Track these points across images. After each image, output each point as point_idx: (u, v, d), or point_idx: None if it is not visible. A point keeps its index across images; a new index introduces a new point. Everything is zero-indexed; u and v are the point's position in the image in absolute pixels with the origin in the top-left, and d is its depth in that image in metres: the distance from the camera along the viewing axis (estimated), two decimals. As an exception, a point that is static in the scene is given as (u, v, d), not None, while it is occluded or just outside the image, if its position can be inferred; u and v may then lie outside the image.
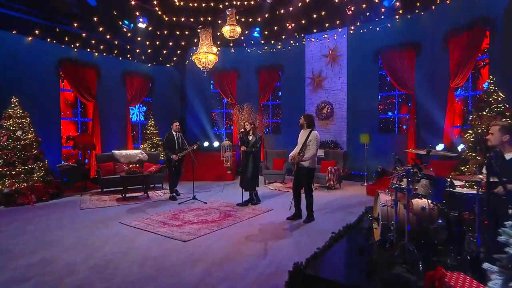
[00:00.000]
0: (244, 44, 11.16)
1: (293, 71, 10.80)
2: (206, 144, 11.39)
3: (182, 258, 3.52)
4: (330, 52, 9.85)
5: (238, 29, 6.44)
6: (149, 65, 10.43)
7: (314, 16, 8.85)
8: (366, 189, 7.28)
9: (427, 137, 8.15)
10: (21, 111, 6.70)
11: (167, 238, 4.17)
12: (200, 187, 8.12)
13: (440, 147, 7.31)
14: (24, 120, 6.68)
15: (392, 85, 8.97)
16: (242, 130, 6.23)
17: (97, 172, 7.40)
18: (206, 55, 6.30)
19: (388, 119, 9.21)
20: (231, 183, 8.99)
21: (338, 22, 9.22)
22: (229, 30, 6.31)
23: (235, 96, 11.65)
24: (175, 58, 10.78)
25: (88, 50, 8.66)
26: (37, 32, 7.41)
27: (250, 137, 6.22)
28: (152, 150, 9.40)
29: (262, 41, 10.77)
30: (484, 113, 5.69)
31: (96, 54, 8.92)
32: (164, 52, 10.21)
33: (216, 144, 11.54)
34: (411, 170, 2.69)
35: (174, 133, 6.77)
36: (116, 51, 9.25)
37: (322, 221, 4.99)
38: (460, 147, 6.77)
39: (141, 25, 8.74)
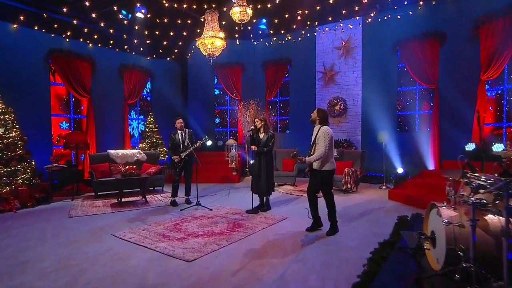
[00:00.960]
0: (251, 35, 10.44)
1: (303, 65, 10.08)
2: (209, 143, 10.66)
3: (186, 286, 2.81)
4: (344, 43, 9.11)
5: (249, 11, 5.70)
6: (148, 58, 9.71)
7: (327, 3, 8.10)
8: (388, 193, 6.55)
9: (452, 136, 7.42)
10: (4, 106, 5.99)
11: (167, 257, 3.46)
12: (204, 190, 7.42)
13: (470, 146, 6.57)
14: (7, 117, 5.97)
15: (412, 80, 8.23)
16: (252, 127, 5.50)
17: (91, 174, 6.70)
18: (212, 39, 5.58)
19: (408, 116, 8.47)
20: (237, 186, 8.28)
21: (353, 10, 8.48)
22: (238, 12, 5.56)
23: (240, 92, 10.93)
24: (176, 51, 10.05)
25: (81, 40, 7.94)
26: (22, 18, 6.68)
27: (261, 135, 5.50)
28: (151, 150, 8.68)
29: (271, 31, 10.02)
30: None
31: (91, 45, 8.21)
32: (164, 43, 9.48)
33: (220, 143, 10.83)
34: (508, 182, 1.92)
35: (178, 131, 6.07)
36: (112, 42, 8.53)
37: (346, 233, 4.28)
38: (497, 146, 6.04)
39: (140, 15, 8.01)
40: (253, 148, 5.41)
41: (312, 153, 4.25)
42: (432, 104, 7.85)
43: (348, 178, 6.95)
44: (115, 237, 4.16)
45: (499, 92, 7.01)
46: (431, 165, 7.70)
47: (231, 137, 10.52)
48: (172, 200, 6.10)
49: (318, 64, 9.70)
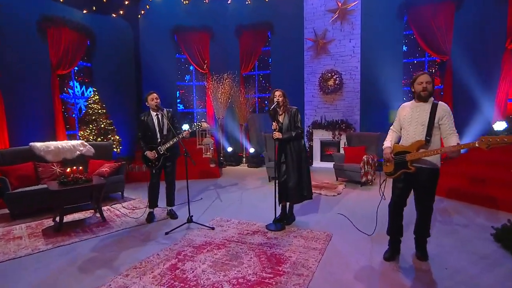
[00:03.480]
0: (223, -8, 8.34)
1: (288, 31, 8.39)
2: (185, 127, 8.50)
3: None
4: (339, 5, 7.61)
5: None
6: (85, 11, 6.98)
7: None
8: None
9: (465, 115, 6.57)
10: None
11: None
12: (181, 191, 5.44)
13: (501, 125, 5.73)
14: None
15: (421, 50, 7.17)
16: (275, 103, 3.73)
17: (1, 182, 4.22)
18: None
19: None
20: (221, 182, 6.42)
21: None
22: None
23: (208, 64, 8.85)
24: (126, 2, 7.47)
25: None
26: None
27: (281, 116, 3.77)
28: (99, 140, 6.26)
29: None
30: None
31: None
32: (108, -8, 6.89)
33: (185, 127, 8.69)
34: None
35: (152, 113, 3.98)
36: (26, -19, 5.72)
37: (444, 259, 2.88)
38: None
39: None
40: (276, 135, 3.66)
41: (425, 141, 2.67)
42: (444, 78, 6.89)
43: (368, 167, 5.64)
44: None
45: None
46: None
47: (203, 120, 8.48)
48: (149, 213, 4.08)
49: (307, 30, 8.09)
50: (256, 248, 3.14)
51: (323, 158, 8.08)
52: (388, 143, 2.94)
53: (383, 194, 3.16)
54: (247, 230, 3.66)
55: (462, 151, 2.70)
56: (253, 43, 8.71)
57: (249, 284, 2.47)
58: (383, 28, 7.38)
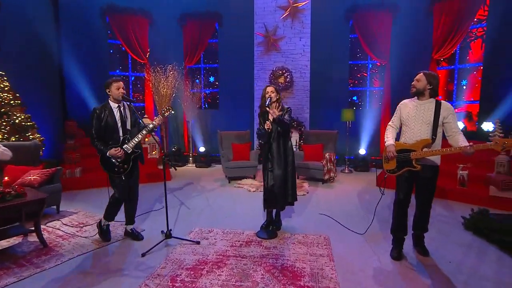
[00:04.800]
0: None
1: (237, 24, 8.04)
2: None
3: None
4: (290, 3, 7.62)
5: None
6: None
7: None
8: (375, 180, 5.76)
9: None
10: None
11: None
12: (107, 199, 4.64)
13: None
14: None
15: (364, 53, 7.71)
16: (269, 98, 3.37)
17: None
18: None
19: (359, 92, 8.01)
20: (174, 185, 5.73)
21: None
22: None
23: (146, 53, 7.88)
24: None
25: None
26: None
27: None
28: (13, 139, 4.86)
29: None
30: None
31: None
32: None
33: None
34: None
35: (113, 105, 3.16)
36: None
37: (445, 255, 3.04)
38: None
39: None
40: (275, 111, 3.24)
41: (431, 140, 2.69)
42: (384, 81, 7.56)
43: (330, 165, 5.77)
44: None
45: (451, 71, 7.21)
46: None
47: (145, 116, 7.46)
48: (104, 225, 3.29)
49: (258, 25, 7.89)
50: (260, 262, 2.79)
51: (274, 156, 8.02)
52: (391, 140, 2.92)
53: (383, 192, 3.17)
54: (238, 241, 3.25)
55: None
56: (199, 34, 8.09)
57: (279, 308, 2.13)
58: (332, 30, 7.67)
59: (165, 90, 7.47)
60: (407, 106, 2.89)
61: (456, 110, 6.88)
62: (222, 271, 2.62)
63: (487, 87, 6.20)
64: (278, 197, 3.38)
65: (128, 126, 3.22)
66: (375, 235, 3.41)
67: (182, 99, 7.84)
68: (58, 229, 3.59)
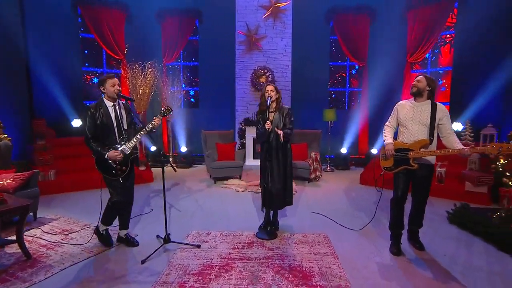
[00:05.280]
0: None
1: (218, 22, 7.90)
2: (76, 123, 6.87)
3: None
4: (272, 2, 7.64)
5: None
6: None
7: None
8: (359, 178, 5.95)
9: (380, 116, 7.68)
10: None
11: None
12: (88, 203, 4.44)
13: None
14: None
15: (344, 54, 7.94)
16: (268, 98, 3.34)
17: None
18: None
19: (339, 93, 8.22)
20: (156, 186, 5.49)
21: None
22: None
23: (123, 49, 7.52)
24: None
25: None
26: None
27: (271, 113, 3.45)
28: (-21, 140, 4.39)
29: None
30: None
31: None
32: None
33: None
34: None
35: (108, 103, 2.96)
36: None
37: (441, 248, 3.21)
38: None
39: None
40: (279, 132, 3.27)
41: (429, 141, 2.84)
42: (362, 81, 7.84)
43: (316, 164, 5.87)
44: None
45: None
46: (362, 144, 7.80)
47: None
48: (103, 230, 3.09)
49: (239, 24, 7.82)
50: (267, 263, 2.76)
51: (256, 156, 7.99)
52: (390, 139, 3.02)
53: (382, 189, 3.28)
54: (240, 243, 3.20)
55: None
56: (179, 30, 7.84)
57: (298, 309, 2.12)
58: (312, 31, 7.80)
59: (143, 88, 7.16)
60: (404, 107, 3.01)
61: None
62: (231, 275, 2.56)
63: (456, 90, 6.65)
64: (278, 197, 3.38)
65: (125, 126, 3.04)
66: (369, 232, 3.52)
67: (161, 98, 7.57)
68: (40, 238, 3.30)
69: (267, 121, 3.26)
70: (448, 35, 6.98)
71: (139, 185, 5.58)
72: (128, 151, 2.95)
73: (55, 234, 3.40)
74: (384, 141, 3.05)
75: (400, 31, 7.31)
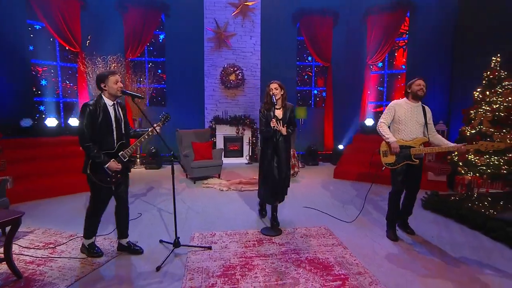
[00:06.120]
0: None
1: (186, 16, 7.69)
2: (26, 123, 6.10)
3: None
4: (241, 0, 7.64)
5: None
6: None
7: None
8: (333, 173, 6.31)
9: (344, 113, 8.22)
10: None
11: None
12: (81, 213, 4.12)
13: (370, 121, 7.53)
14: None
15: (309, 55, 8.29)
16: (273, 97, 3.37)
17: None
18: None
19: (305, 92, 8.54)
20: (134, 190, 5.18)
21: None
22: None
23: (79, 41, 6.88)
24: None
25: None
26: None
27: (278, 110, 3.51)
28: None
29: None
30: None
31: None
32: None
33: (52, 122, 6.39)
34: None
35: (108, 102, 2.70)
36: None
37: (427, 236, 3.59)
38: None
39: None
40: (284, 131, 3.34)
41: (429, 137, 3.21)
42: (326, 81, 8.28)
43: (294, 160, 6.07)
44: None
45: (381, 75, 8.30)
46: (328, 141, 8.26)
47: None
48: (87, 245, 2.83)
49: (208, 20, 7.67)
50: (285, 258, 2.82)
51: (227, 154, 7.96)
52: (393, 137, 3.23)
53: (372, 182, 3.55)
54: (249, 241, 3.20)
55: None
56: (143, 24, 7.41)
57: (333, 298, 2.23)
58: (280, 31, 8.01)
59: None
60: (402, 107, 3.28)
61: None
62: (256, 273, 2.56)
63: (410, 90, 7.41)
64: (282, 191, 3.47)
65: (123, 129, 2.82)
66: (362, 222, 3.78)
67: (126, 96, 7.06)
68: (21, 254, 2.89)
69: (272, 119, 3.30)
70: (401, 41, 7.73)
71: (112, 189, 5.18)
72: (126, 158, 2.76)
73: (38, 249, 3.00)
74: (387, 139, 3.22)
75: (360, 35, 7.89)
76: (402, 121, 3.25)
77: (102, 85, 2.68)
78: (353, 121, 8.08)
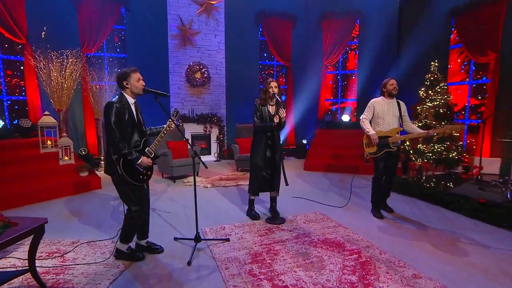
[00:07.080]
0: None
1: (148, 10, 7.40)
2: None
3: None
4: (205, -1, 7.66)
5: None
6: None
7: None
8: (303, 165, 6.79)
9: (303, 109, 8.84)
10: None
11: None
12: (71, 221, 3.92)
13: (327, 117, 8.25)
14: None
15: (271, 54, 8.67)
16: (273, 90, 3.60)
17: None
18: None
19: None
20: (105, 192, 4.92)
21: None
22: None
23: (25, 32, 6.18)
24: None
25: None
26: None
27: (272, 107, 3.78)
28: None
29: None
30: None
31: None
32: None
33: (-4, 124, 5.63)
34: None
35: (130, 100, 2.64)
36: None
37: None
38: (345, 117, 8.06)
39: None
40: (282, 113, 3.58)
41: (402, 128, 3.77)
42: (287, 79, 8.78)
43: (269, 155, 6.37)
44: None
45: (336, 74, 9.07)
46: (290, 136, 8.78)
47: (45, 112, 5.72)
48: (127, 250, 2.76)
49: (172, 16, 7.51)
50: (302, 241, 3.11)
51: (201, 152, 7.92)
52: (372, 130, 3.77)
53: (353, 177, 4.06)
54: (260, 230, 3.42)
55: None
56: (100, 16, 6.91)
57: (360, 267, 2.60)
58: (243, 31, 8.21)
59: (63, 80, 6.05)
60: (379, 103, 3.83)
61: (343, 105, 8.88)
62: (283, 256, 2.80)
63: (361, 88, 8.32)
64: (276, 180, 3.74)
65: (143, 127, 2.80)
66: (348, 207, 4.27)
67: (87, 93, 6.56)
68: (25, 267, 2.65)
69: (276, 116, 3.56)
70: (353, 44, 8.61)
71: (86, 193, 4.89)
72: (152, 154, 2.76)
73: (44, 259, 2.78)
74: (368, 132, 3.76)
75: (317, 37, 8.54)
76: (380, 115, 3.81)
77: (125, 83, 2.63)
78: (313, 117, 8.74)
